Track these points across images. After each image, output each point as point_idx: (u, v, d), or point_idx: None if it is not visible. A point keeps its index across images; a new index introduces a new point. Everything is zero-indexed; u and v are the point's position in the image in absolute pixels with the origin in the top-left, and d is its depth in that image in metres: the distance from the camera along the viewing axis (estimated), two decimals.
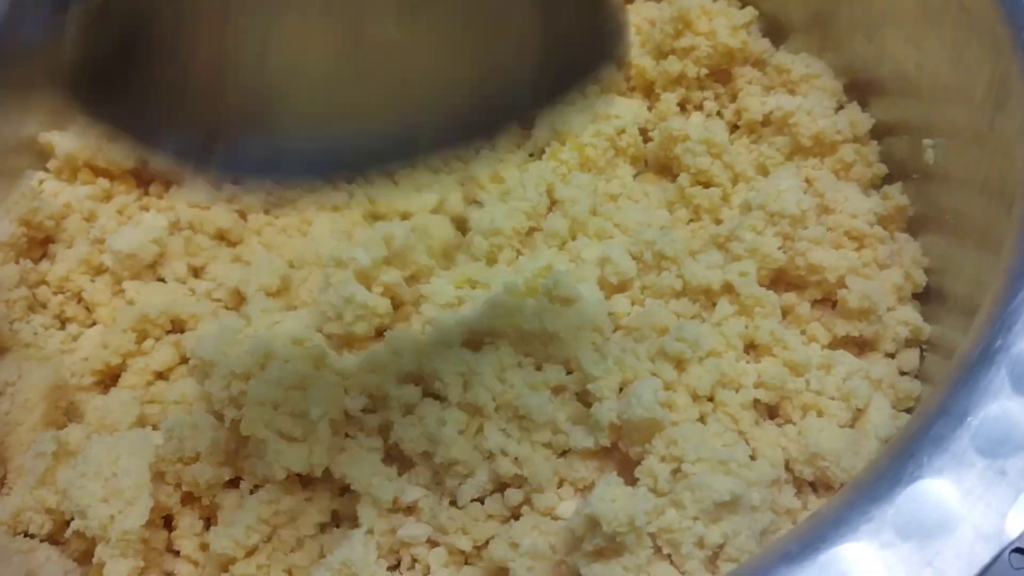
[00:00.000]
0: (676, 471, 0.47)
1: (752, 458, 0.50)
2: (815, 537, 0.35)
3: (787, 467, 0.51)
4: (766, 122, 0.66)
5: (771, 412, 0.54)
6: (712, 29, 0.66)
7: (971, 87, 0.53)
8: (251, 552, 0.51)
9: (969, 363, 0.38)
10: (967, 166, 0.54)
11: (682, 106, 0.69)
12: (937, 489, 0.35)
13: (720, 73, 0.69)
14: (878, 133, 0.64)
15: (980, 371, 0.38)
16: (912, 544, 0.34)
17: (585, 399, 0.53)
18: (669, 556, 0.45)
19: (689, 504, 0.45)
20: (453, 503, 0.51)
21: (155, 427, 0.57)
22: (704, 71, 0.67)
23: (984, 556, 0.33)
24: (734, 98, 0.69)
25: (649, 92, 0.70)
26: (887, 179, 0.63)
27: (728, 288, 0.56)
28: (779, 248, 0.56)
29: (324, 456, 0.51)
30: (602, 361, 0.52)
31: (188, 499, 0.54)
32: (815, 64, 0.67)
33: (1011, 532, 0.33)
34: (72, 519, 0.51)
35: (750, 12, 0.68)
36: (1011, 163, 0.48)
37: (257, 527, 0.51)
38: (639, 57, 0.69)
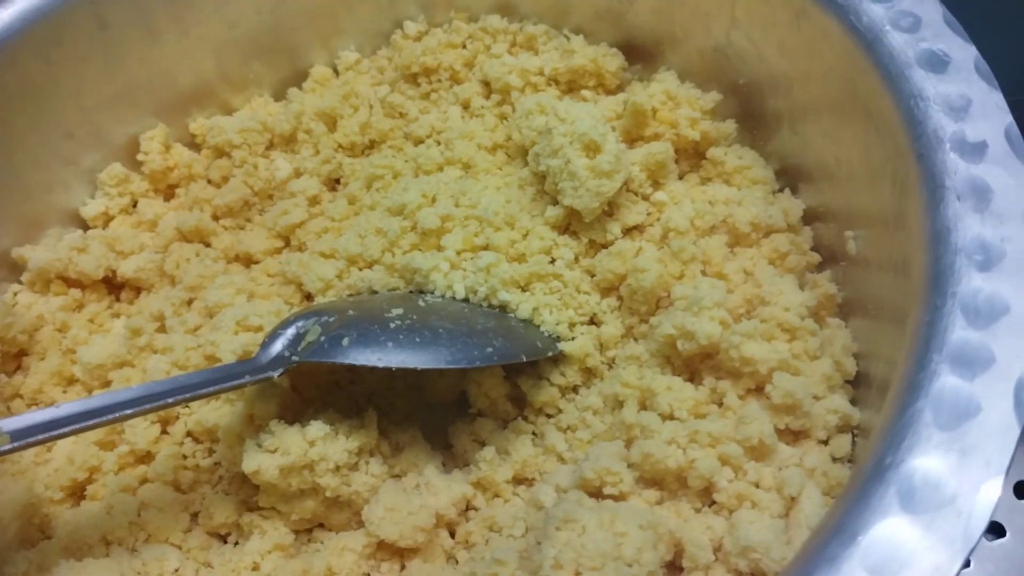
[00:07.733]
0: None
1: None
2: None
3: (722, 553, 0.53)
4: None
5: (708, 499, 0.56)
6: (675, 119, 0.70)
7: (880, 181, 0.55)
8: None
9: (863, 480, 0.40)
10: (882, 252, 0.56)
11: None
12: None
13: None
14: (808, 219, 0.66)
15: (871, 488, 0.40)
16: None
17: None
18: None
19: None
20: None
21: (119, 542, 0.60)
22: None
23: None
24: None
25: None
26: (819, 266, 0.65)
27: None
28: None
29: None
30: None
31: None
32: (747, 155, 0.70)
33: None
34: None
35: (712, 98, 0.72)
36: (917, 251, 0.49)
37: None
38: None
